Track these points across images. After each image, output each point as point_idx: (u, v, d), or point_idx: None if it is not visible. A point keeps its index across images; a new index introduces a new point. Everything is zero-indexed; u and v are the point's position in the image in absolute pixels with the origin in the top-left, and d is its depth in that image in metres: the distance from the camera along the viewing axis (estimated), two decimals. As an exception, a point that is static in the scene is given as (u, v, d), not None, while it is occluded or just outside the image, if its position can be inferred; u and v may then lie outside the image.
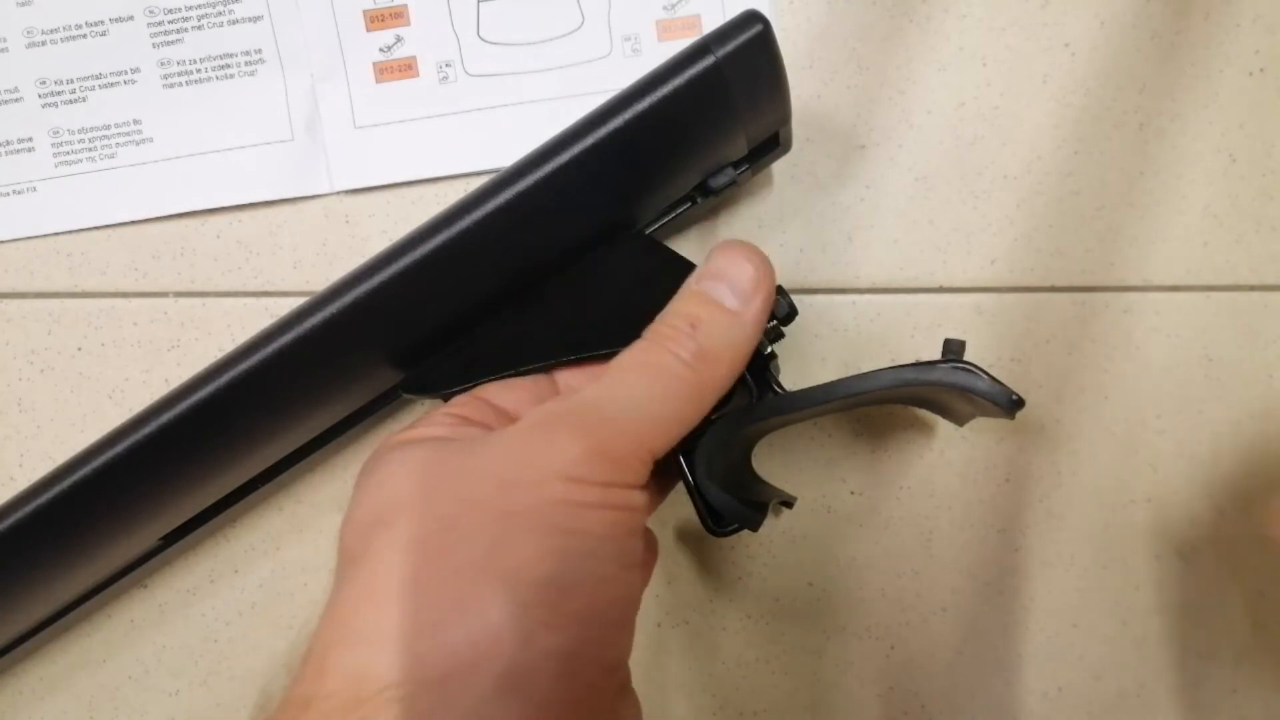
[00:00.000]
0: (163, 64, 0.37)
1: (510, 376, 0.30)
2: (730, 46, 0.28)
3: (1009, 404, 0.27)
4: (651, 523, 0.34)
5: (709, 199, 0.33)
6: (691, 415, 0.26)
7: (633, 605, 0.24)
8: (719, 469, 0.29)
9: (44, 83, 0.38)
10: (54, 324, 0.39)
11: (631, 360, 0.26)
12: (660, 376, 0.25)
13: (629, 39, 0.36)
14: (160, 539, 0.34)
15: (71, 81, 0.38)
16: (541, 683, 0.22)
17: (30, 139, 0.38)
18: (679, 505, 0.38)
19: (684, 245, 0.37)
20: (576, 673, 0.22)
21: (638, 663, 0.28)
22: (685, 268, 0.29)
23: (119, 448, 0.29)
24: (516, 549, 0.22)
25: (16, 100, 0.38)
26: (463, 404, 0.29)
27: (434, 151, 0.37)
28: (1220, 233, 0.36)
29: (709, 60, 0.28)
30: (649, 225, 0.33)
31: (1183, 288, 0.36)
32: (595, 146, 0.28)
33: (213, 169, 0.38)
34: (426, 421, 0.28)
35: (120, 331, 0.38)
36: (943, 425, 0.36)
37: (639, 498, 0.24)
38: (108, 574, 0.35)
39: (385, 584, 0.23)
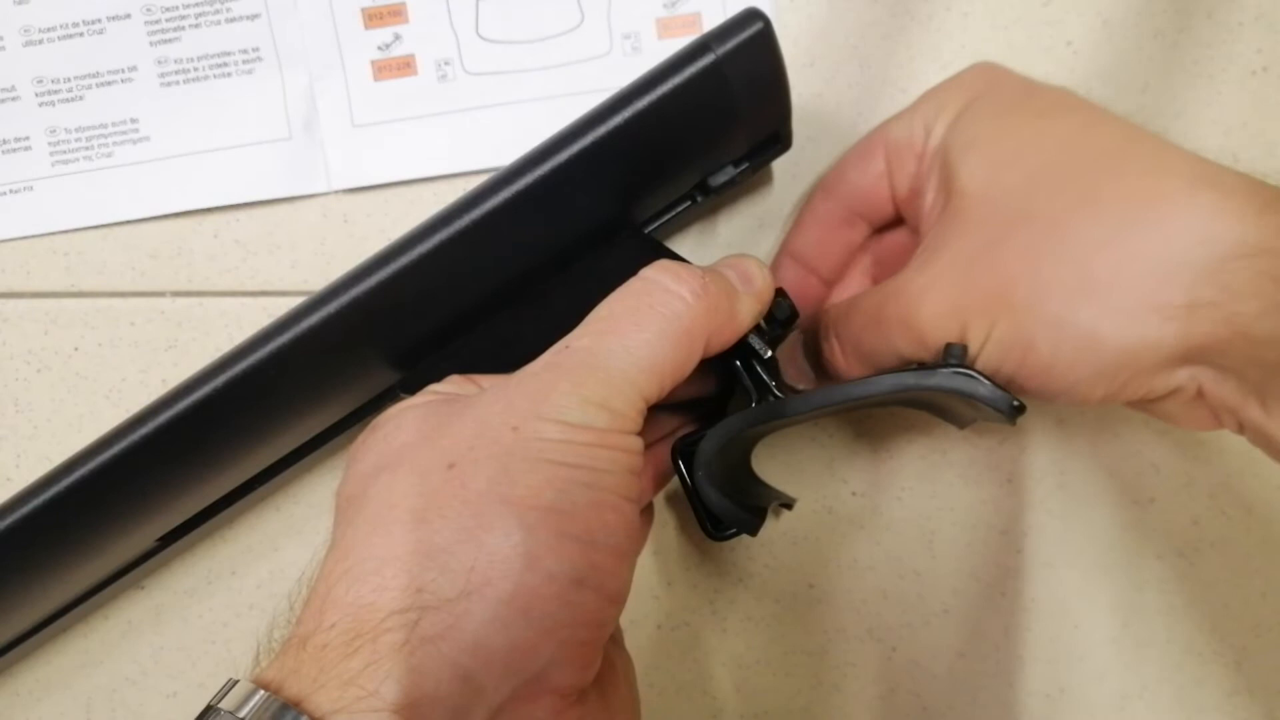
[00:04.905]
0: (160, 62, 0.37)
1: None
2: (730, 44, 0.28)
3: (1010, 410, 0.27)
4: (651, 525, 0.34)
5: (709, 197, 0.33)
6: (682, 361, 0.26)
7: (631, 535, 0.24)
8: (718, 472, 0.29)
9: (41, 81, 0.38)
10: (51, 324, 0.38)
11: (623, 306, 0.26)
12: (652, 321, 0.25)
13: (629, 37, 0.36)
14: (157, 540, 0.34)
15: (68, 80, 0.38)
16: (544, 605, 0.22)
17: (27, 138, 0.38)
18: (678, 506, 0.37)
19: (684, 244, 0.37)
20: (578, 599, 0.23)
21: (638, 664, 0.28)
22: None
23: (116, 448, 0.28)
24: (520, 478, 0.23)
25: (13, 99, 0.38)
26: (458, 382, 0.29)
27: (432, 150, 0.37)
28: (1223, 232, 0.35)
29: (709, 58, 0.28)
30: (649, 223, 0.33)
31: (1185, 287, 0.36)
32: (595, 145, 0.28)
33: (210, 168, 0.37)
34: (424, 390, 0.28)
35: (117, 331, 0.38)
36: (944, 426, 0.36)
37: (635, 442, 0.25)
38: (105, 575, 0.35)
39: (390, 518, 0.23)
